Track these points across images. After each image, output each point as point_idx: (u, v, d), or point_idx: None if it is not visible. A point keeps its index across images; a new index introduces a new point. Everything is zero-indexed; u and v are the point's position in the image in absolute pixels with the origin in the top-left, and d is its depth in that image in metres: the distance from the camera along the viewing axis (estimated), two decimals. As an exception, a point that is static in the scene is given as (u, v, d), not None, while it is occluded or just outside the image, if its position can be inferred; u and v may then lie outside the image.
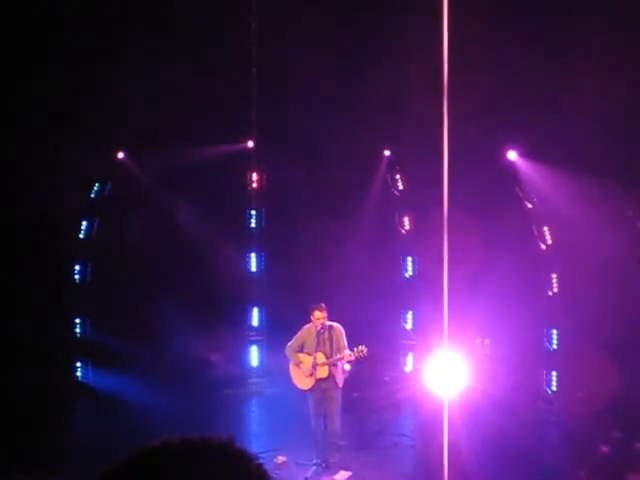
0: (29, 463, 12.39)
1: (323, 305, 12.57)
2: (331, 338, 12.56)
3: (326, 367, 12.52)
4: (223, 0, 15.51)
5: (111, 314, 17.15)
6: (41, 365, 15.86)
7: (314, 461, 12.50)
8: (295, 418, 13.66)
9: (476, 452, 12.47)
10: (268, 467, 2.12)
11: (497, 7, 14.76)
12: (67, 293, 17.29)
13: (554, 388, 16.38)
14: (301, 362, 12.58)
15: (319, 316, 12.50)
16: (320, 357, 12.54)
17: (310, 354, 12.58)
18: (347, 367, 12.76)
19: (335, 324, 12.65)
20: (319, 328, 12.54)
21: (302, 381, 12.64)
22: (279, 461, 12.67)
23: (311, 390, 12.62)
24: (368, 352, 12.40)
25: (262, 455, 10.86)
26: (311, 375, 12.54)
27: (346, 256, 16.44)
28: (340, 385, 12.64)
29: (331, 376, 12.55)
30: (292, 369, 12.74)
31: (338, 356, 12.47)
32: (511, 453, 12.84)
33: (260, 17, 16.07)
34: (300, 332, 12.72)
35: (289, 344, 12.74)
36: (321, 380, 12.55)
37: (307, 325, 12.70)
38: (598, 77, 13.88)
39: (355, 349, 12.38)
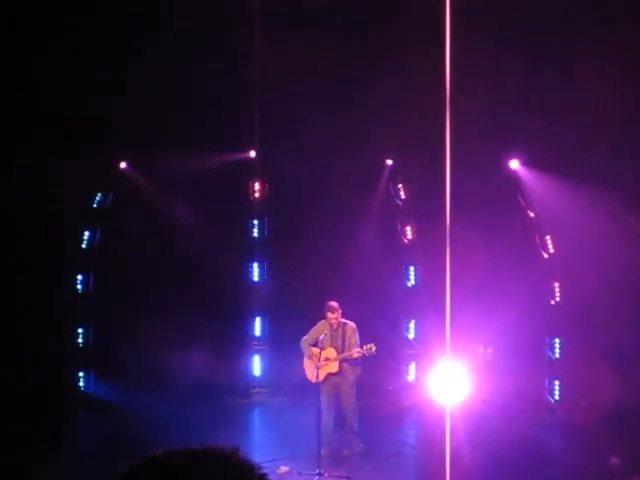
0: (32, 474, 12.38)
1: (335, 305, 13.15)
2: (344, 335, 13.15)
3: (337, 362, 13.05)
4: (224, 12, 15.49)
5: (113, 323, 17.15)
6: (43, 375, 15.84)
7: (316, 471, 12.50)
8: (298, 428, 13.66)
9: (478, 461, 12.45)
10: (271, 477, 2.12)
11: (498, 16, 14.77)
12: (69, 303, 17.28)
13: (556, 397, 16.37)
14: (314, 355, 12.96)
15: (331, 317, 13.09)
16: (331, 352, 13.06)
17: (323, 349, 12.98)
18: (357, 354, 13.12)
19: (349, 322, 13.21)
20: (334, 325, 13.08)
21: (314, 374, 12.94)
22: (282, 471, 12.63)
23: (323, 383, 13.04)
24: (376, 351, 12.88)
25: (265, 465, 10.85)
26: (321, 368, 12.92)
27: (348, 265, 16.42)
28: (351, 380, 13.19)
29: (342, 371, 13.11)
30: (306, 362, 13.22)
31: (348, 352, 13.00)
32: (513, 462, 12.81)
33: (261, 27, 16.09)
34: (315, 327, 13.23)
35: (304, 338, 13.20)
36: (332, 375, 13.09)
37: (323, 320, 13.20)
38: (600, 86, 13.89)
39: (364, 347, 12.90)
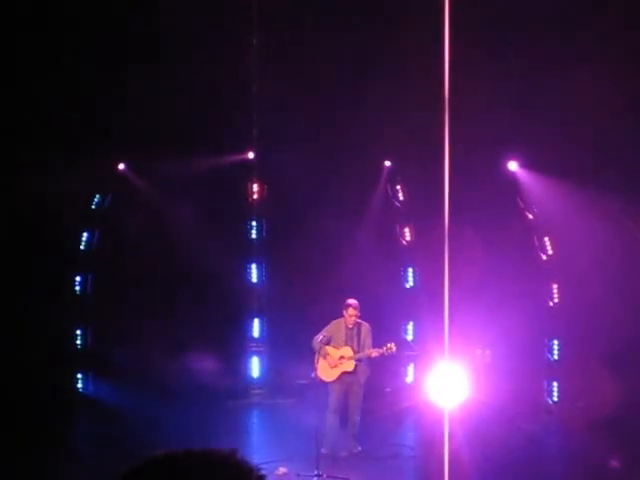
0: (32, 474, 12.37)
1: (356, 303, 13.06)
2: (359, 334, 13.10)
3: (352, 361, 12.99)
4: (223, 14, 15.49)
5: (112, 325, 17.13)
6: (42, 376, 15.82)
7: (315, 472, 12.48)
8: (296, 429, 13.65)
9: (477, 463, 12.44)
10: (270, 478, 2.11)
11: (498, 16, 14.76)
12: (68, 304, 17.26)
13: (555, 399, 16.37)
14: (328, 354, 12.95)
15: (352, 313, 13.02)
16: (347, 350, 13.02)
17: (337, 347, 13.00)
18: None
19: (364, 322, 13.16)
20: (350, 324, 13.03)
21: (327, 373, 13.00)
22: (280, 472, 12.61)
23: (335, 382, 13.04)
24: (396, 351, 13.01)
25: (263, 466, 10.82)
26: (336, 367, 12.96)
27: (347, 267, 16.42)
28: (362, 381, 13.15)
29: (355, 371, 13.06)
30: (317, 361, 13.05)
31: (365, 352, 12.98)
32: (512, 464, 12.79)
33: (261, 30, 16.09)
34: (329, 326, 13.12)
35: (317, 336, 13.02)
36: (346, 374, 13.04)
37: (337, 320, 13.14)
38: (600, 87, 13.88)
39: (384, 346, 12.90)
